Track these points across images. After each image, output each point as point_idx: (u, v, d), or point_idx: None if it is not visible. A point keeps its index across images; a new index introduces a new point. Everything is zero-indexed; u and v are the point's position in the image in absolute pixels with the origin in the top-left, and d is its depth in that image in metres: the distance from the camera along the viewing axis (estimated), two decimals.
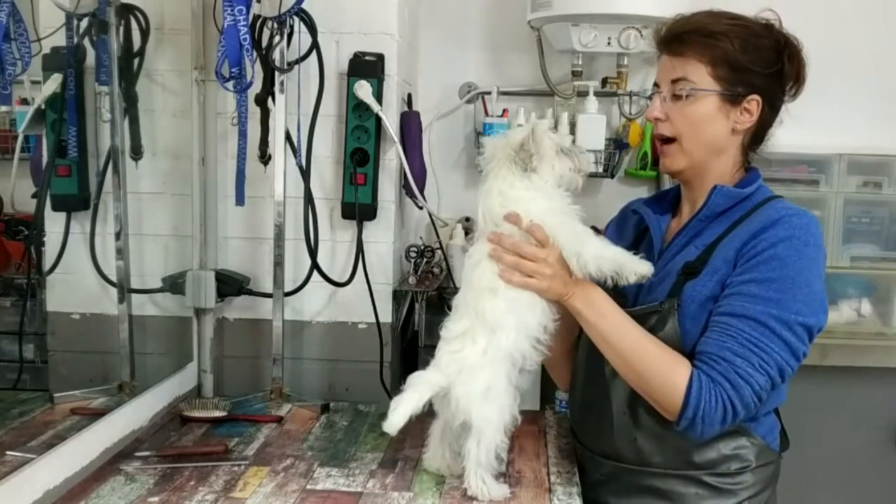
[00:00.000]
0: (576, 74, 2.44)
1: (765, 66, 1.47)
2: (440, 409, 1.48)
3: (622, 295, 1.51)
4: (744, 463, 1.47)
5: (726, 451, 1.46)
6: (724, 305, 1.40)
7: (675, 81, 1.48)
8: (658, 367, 1.40)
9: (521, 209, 1.46)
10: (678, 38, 1.48)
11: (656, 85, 1.53)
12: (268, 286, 2.08)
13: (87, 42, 1.75)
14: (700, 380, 1.36)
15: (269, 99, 1.96)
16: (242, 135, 1.96)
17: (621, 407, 1.51)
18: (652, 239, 1.57)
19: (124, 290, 1.83)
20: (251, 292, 2.12)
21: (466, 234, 2.48)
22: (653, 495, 1.50)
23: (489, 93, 2.53)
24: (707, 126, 1.48)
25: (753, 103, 1.48)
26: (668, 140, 1.51)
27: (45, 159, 1.73)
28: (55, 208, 1.79)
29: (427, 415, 1.48)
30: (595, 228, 1.54)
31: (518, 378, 1.46)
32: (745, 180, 1.54)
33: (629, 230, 1.67)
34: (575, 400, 1.66)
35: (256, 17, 1.88)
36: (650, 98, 1.53)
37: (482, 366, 1.43)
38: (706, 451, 1.46)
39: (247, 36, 1.78)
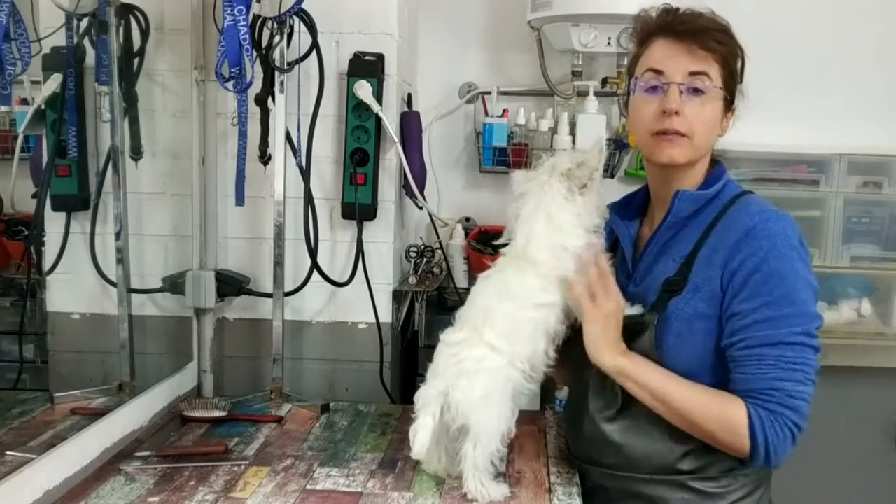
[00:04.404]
0: (576, 74, 2.44)
1: (740, 74, 1.49)
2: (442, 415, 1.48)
3: None
4: (730, 466, 1.46)
5: (712, 455, 1.45)
6: (749, 338, 1.38)
7: (694, 74, 1.43)
8: (718, 416, 1.39)
9: (562, 238, 1.45)
10: (706, 31, 1.44)
11: (656, 71, 1.45)
12: (268, 286, 2.08)
13: (87, 42, 1.75)
14: (759, 416, 1.36)
15: (269, 99, 1.96)
16: (242, 135, 1.96)
17: (606, 414, 1.50)
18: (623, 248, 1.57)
19: (124, 290, 1.83)
20: (251, 292, 2.12)
21: (466, 234, 2.49)
22: (640, 501, 1.50)
23: (489, 93, 2.53)
24: (714, 127, 1.48)
25: (732, 111, 1.50)
26: (681, 133, 1.46)
27: (45, 159, 1.73)
28: (55, 208, 1.79)
29: None
30: None
31: (514, 395, 1.47)
32: (710, 178, 1.51)
33: (605, 234, 1.64)
34: (566, 410, 1.66)
35: (256, 17, 1.88)
36: (654, 88, 1.45)
37: (478, 371, 1.44)
38: (691, 456, 1.45)
39: (247, 36, 1.78)
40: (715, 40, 1.44)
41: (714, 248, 1.43)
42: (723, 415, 1.38)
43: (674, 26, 1.46)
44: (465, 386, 1.43)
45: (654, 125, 1.46)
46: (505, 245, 1.53)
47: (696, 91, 1.44)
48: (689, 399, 1.41)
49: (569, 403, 1.63)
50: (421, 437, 1.43)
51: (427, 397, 1.45)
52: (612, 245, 1.59)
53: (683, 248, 1.47)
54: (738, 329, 1.39)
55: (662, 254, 1.50)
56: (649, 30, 1.49)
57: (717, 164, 1.54)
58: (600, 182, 1.50)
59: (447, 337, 1.50)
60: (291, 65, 1.95)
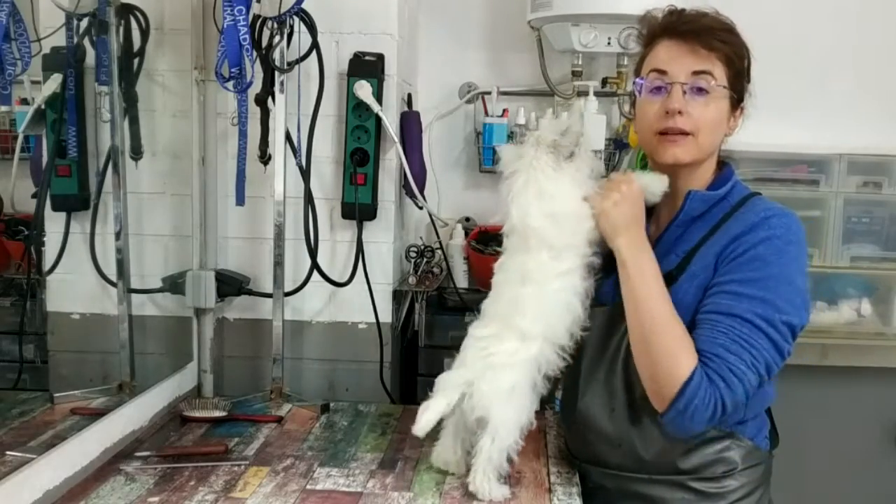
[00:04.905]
0: (576, 74, 2.44)
1: (748, 73, 1.50)
2: (458, 404, 1.47)
3: (601, 303, 1.50)
4: (729, 466, 1.46)
5: (712, 455, 1.45)
6: (710, 304, 1.40)
7: (697, 73, 1.44)
8: (670, 350, 1.37)
9: (560, 206, 1.45)
10: (709, 31, 1.44)
11: (660, 71, 1.46)
12: (268, 286, 2.08)
13: (87, 42, 1.75)
14: (701, 377, 1.35)
15: (269, 99, 1.96)
16: (242, 135, 1.96)
17: (605, 413, 1.50)
18: None
19: (124, 290, 1.83)
20: (251, 292, 2.12)
21: (466, 234, 2.49)
22: (640, 502, 1.50)
23: (489, 93, 2.53)
24: (719, 127, 1.48)
25: (740, 110, 1.50)
26: (685, 132, 1.46)
27: (45, 159, 1.73)
28: (55, 208, 1.79)
29: None
30: None
31: (539, 383, 1.47)
32: (720, 178, 1.52)
33: None
34: (563, 409, 1.66)
35: (256, 17, 1.88)
36: (658, 89, 1.46)
37: (508, 365, 1.44)
38: (691, 455, 1.45)
39: (247, 36, 1.78)
40: (718, 40, 1.44)
41: (716, 241, 1.44)
42: (674, 355, 1.36)
43: (677, 26, 1.46)
44: (492, 378, 1.43)
45: (657, 125, 1.47)
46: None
47: (700, 90, 1.44)
48: (661, 323, 1.39)
49: (564, 402, 1.63)
50: (428, 416, 1.42)
51: (448, 382, 1.45)
52: None
53: (686, 245, 1.48)
54: (707, 296, 1.41)
55: (668, 252, 1.51)
56: (654, 31, 1.50)
57: (725, 166, 1.55)
58: (588, 146, 1.50)
59: (476, 331, 1.49)
60: (291, 65, 1.95)
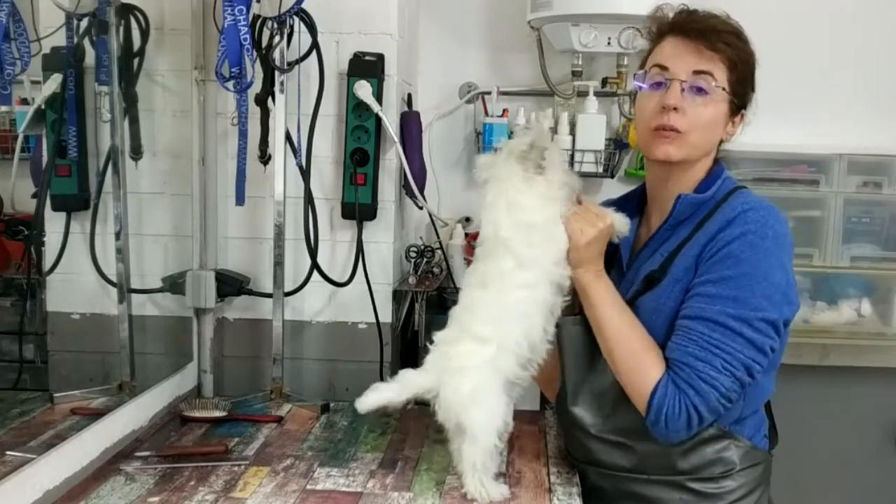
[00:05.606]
0: (576, 74, 2.44)
1: (752, 80, 1.50)
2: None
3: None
4: (728, 466, 1.46)
5: (710, 455, 1.45)
6: (685, 308, 1.41)
7: (697, 73, 1.44)
8: (634, 366, 1.40)
9: (530, 217, 1.45)
10: (715, 32, 1.44)
11: (662, 67, 1.46)
12: (268, 286, 2.08)
13: (87, 42, 1.75)
14: (666, 386, 1.36)
15: (269, 99, 1.96)
16: (242, 135, 1.96)
17: (599, 417, 1.50)
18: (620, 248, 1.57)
19: (124, 290, 1.83)
20: (251, 292, 2.12)
21: (466, 234, 2.48)
22: (638, 502, 1.50)
23: (489, 93, 2.53)
24: (715, 129, 1.48)
25: (739, 116, 1.50)
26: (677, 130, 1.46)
27: (45, 159, 1.73)
28: (55, 208, 1.79)
29: (429, 415, 1.48)
30: None
31: (508, 387, 1.46)
32: (709, 179, 1.52)
33: None
34: (558, 412, 1.66)
35: (256, 17, 1.88)
36: (658, 84, 1.46)
37: (467, 368, 1.43)
38: (689, 456, 1.45)
39: (247, 36, 1.79)
40: (723, 41, 1.44)
41: (697, 240, 1.44)
42: (641, 370, 1.39)
43: (684, 25, 1.47)
44: (455, 385, 1.43)
45: (653, 120, 1.47)
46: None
47: (700, 90, 1.44)
48: (622, 339, 1.42)
49: (559, 406, 1.63)
50: (374, 396, 1.44)
51: (406, 379, 1.47)
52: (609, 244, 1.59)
53: (671, 244, 1.48)
54: (685, 300, 1.42)
55: (654, 252, 1.51)
56: (662, 28, 1.50)
57: (716, 164, 1.54)
58: (560, 157, 1.50)
59: (437, 336, 1.50)
60: (291, 65, 1.95)
